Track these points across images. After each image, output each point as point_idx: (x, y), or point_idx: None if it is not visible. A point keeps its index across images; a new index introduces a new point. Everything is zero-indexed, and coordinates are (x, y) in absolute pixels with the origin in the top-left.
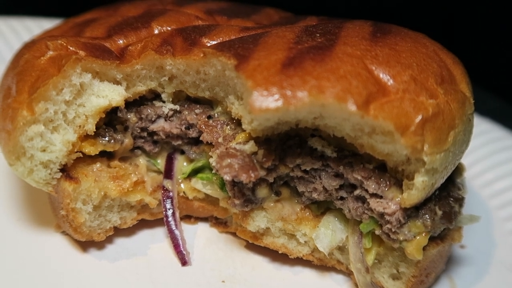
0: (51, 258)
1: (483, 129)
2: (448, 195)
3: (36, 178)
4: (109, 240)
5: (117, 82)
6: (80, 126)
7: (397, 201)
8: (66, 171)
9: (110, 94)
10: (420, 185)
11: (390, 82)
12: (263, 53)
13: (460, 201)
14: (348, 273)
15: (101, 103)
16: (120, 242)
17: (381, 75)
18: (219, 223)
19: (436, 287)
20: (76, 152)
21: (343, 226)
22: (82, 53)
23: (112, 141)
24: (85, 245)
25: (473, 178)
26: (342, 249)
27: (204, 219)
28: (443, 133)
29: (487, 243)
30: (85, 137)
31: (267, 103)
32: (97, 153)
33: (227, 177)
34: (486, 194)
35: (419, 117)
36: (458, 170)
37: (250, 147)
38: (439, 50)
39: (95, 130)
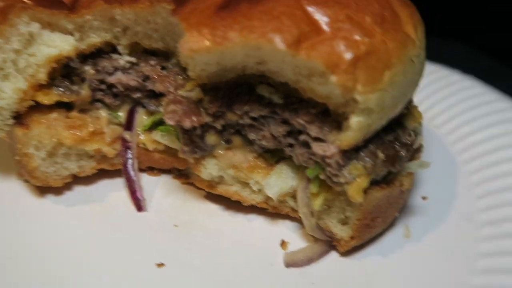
0: (5, 202)
1: (464, 86)
2: (394, 139)
3: None
4: (67, 187)
5: (70, 33)
6: (31, 75)
7: (337, 144)
8: (20, 118)
9: (61, 44)
10: (355, 126)
11: (325, 21)
12: None
13: (407, 146)
14: (302, 221)
15: (51, 52)
16: (79, 189)
17: (316, 15)
18: (181, 175)
19: (389, 235)
20: (29, 100)
21: (294, 174)
22: (29, 2)
23: (68, 92)
24: (43, 191)
25: (447, 134)
26: (295, 196)
27: (167, 171)
28: (377, 72)
29: (450, 195)
30: (40, 87)
31: (197, 44)
32: (52, 103)
33: (171, 122)
34: (457, 149)
35: (350, 55)
36: (412, 117)
37: (195, 93)
38: None
39: (47, 80)
